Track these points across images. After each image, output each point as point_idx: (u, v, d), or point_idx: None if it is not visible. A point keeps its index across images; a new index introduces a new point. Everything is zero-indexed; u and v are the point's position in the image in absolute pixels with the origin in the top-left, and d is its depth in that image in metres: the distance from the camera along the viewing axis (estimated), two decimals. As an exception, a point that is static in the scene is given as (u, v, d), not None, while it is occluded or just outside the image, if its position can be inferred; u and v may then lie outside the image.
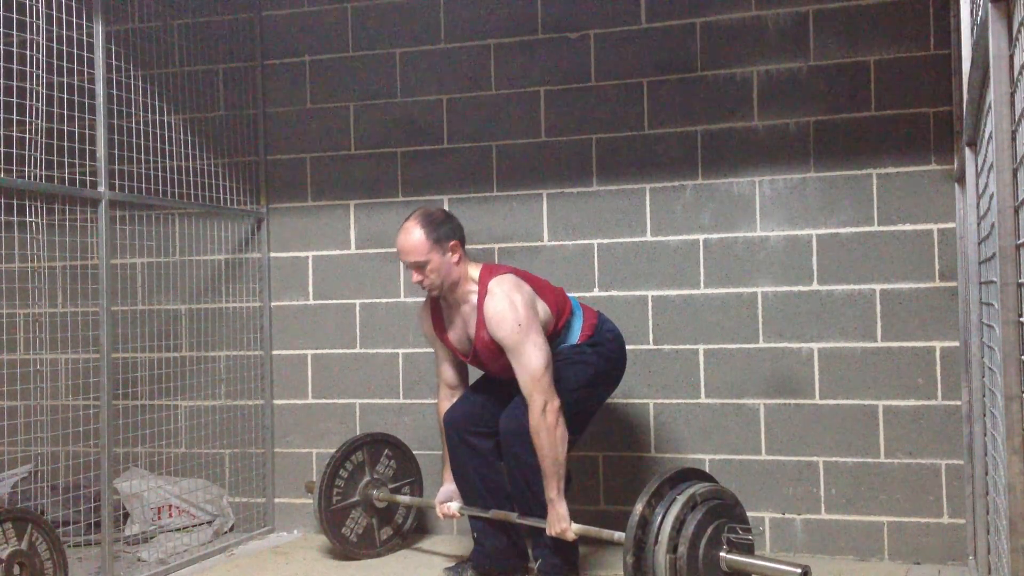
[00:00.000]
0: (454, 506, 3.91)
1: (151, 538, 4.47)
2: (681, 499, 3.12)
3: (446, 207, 4.55)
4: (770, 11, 4.22)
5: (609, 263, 4.42)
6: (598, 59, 4.44)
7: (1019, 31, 1.82)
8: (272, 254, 4.90)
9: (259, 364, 4.86)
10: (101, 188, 3.91)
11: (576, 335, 3.75)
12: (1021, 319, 1.93)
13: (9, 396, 4.36)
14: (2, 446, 4.13)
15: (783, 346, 4.20)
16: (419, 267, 3.63)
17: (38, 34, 3.81)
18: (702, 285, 4.30)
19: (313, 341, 4.84)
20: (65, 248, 4.55)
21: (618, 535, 3.34)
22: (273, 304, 4.89)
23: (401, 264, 4.70)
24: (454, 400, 3.92)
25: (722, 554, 3.12)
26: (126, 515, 4.58)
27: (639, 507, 3.12)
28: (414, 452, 4.50)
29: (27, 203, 3.95)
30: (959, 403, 3.94)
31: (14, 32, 3.75)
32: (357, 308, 4.78)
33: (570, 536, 3.55)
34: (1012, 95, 1.93)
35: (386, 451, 4.39)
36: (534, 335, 3.53)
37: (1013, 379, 1.94)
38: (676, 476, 3.26)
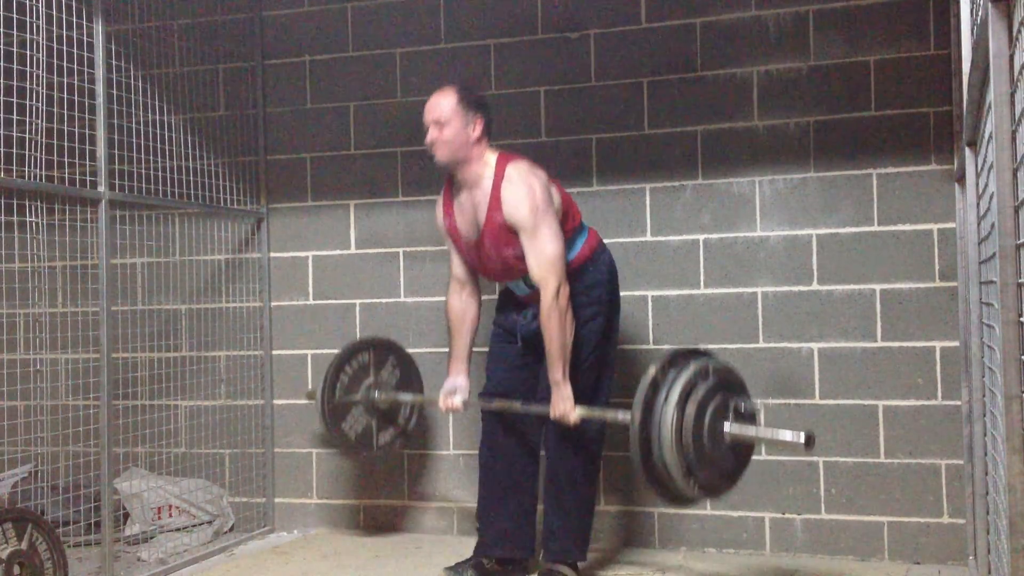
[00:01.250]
0: (457, 399, 3.88)
1: (151, 538, 4.47)
2: (695, 366, 3.14)
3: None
4: (770, 11, 4.22)
5: (609, 263, 4.42)
6: (598, 59, 4.44)
7: (1019, 31, 1.82)
8: (272, 254, 4.90)
9: (259, 364, 4.86)
10: (101, 188, 3.91)
11: (577, 249, 3.74)
12: (1021, 319, 1.93)
13: (9, 396, 4.36)
14: (2, 446, 4.13)
15: (783, 346, 4.20)
16: (438, 125, 3.67)
17: (38, 34, 3.82)
18: (702, 285, 4.30)
19: (313, 341, 4.84)
20: (65, 248, 4.55)
21: (623, 414, 3.30)
22: (273, 304, 4.89)
23: (401, 261, 4.70)
24: (463, 295, 3.92)
25: (727, 424, 3.13)
26: (126, 515, 4.57)
27: (652, 370, 3.13)
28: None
29: (27, 203, 3.95)
30: (959, 403, 3.94)
31: (14, 32, 3.75)
32: (357, 308, 4.78)
33: (573, 418, 3.53)
34: (1012, 95, 1.93)
35: (392, 359, 4.26)
36: (550, 219, 3.58)
37: (1013, 379, 1.94)
38: (689, 351, 3.29)
